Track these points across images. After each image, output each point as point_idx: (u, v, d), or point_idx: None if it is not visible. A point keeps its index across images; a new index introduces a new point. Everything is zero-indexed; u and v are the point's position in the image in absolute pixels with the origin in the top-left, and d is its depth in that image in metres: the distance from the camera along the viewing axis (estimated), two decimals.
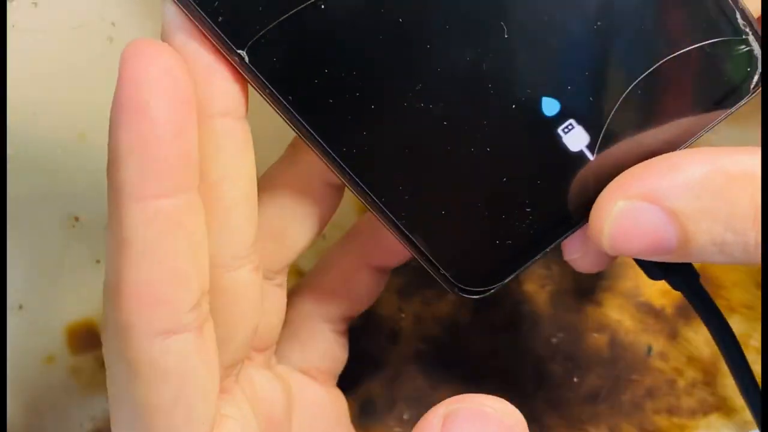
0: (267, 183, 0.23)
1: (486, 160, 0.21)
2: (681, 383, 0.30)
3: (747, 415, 0.30)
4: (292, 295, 0.27)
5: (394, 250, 0.25)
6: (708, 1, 0.20)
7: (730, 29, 0.20)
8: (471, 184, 0.21)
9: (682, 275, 0.23)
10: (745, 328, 0.30)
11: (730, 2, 0.20)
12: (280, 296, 0.25)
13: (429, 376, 0.31)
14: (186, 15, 0.19)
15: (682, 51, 0.20)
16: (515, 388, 0.30)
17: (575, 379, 0.30)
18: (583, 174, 0.21)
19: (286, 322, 0.26)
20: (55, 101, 0.30)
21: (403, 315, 0.31)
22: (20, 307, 0.30)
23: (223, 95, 0.20)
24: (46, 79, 0.30)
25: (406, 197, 0.21)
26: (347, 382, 0.29)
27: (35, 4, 0.29)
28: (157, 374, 0.19)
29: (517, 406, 0.30)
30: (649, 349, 0.30)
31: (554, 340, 0.31)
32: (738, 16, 0.20)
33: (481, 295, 0.22)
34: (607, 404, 0.30)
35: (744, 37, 0.20)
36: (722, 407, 0.30)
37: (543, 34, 0.20)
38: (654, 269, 0.23)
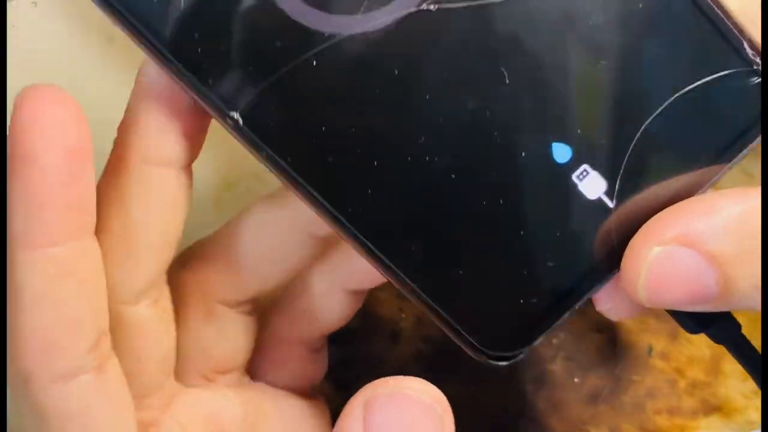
0: (251, 217, 0.23)
1: (501, 213, 0.20)
2: (682, 383, 0.30)
3: (748, 415, 0.30)
4: (266, 315, 0.27)
5: (369, 273, 0.24)
6: (712, 33, 0.19)
7: (739, 61, 0.19)
8: (487, 239, 0.20)
9: (722, 327, 0.21)
10: (746, 329, 0.30)
11: (737, 33, 0.19)
12: (243, 322, 0.25)
13: (429, 377, 0.31)
14: (173, 79, 0.19)
15: (692, 86, 0.19)
16: (515, 389, 0.30)
17: (576, 380, 0.30)
18: (604, 223, 0.20)
19: (260, 343, 0.26)
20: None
21: (403, 315, 0.31)
22: None
23: (165, 147, 0.20)
24: (46, 79, 0.30)
25: (420, 258, 0.20)
26: (348, 382, 0.29)
27: (35, 3, 0.29)
28: (62, 418, 0.19)
29: (517, 406, 0.30)
30: (650, 350, 0.30)
31: (555, 340, 0.31)
32: (746, 46, 0.19)
33: (511, 361, 0.21)
34: (607, 404, 0.30)
35: (756, 67, 0.19)
36: (723, 408, 0.30)
37: (546, 77, 0.19)
38: (691, 322, 0.21)
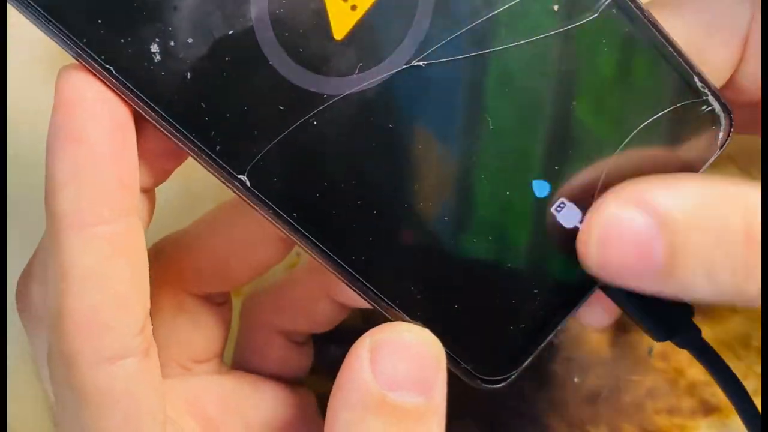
0: (223, 213, 0.24)
1: (490, 251, 0.21)
2: (682, 383, 0.30)
3: None
4: (254, 302, 0.27)
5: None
6: (668, 70, 0.21)
7: (691, 93, 0.21)
8: (479, 275, 0.21)
9: (684, 333, 0.23)
10: (746, 329, 0.30)
11: (688, 68, 0.21)
12: (215, 312, 0.25)
13: None
14: (181, 147, 0.19)
15: (652, 119, 0.21)
16: (515, 389, 0.30)
17: (576, 380, 0.30)
18: None
19: (245, 329, 0.27)
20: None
21: None
22: None
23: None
24: (47, 79, 0.30)
25: (419, 297, 0.21)
26: None
27: None
28: (105, 400, 0.19)
29: (517, 406, 0.30)
30: (650, 350, 0.30)
31: (555, 340, 0.31)
32: (696, 79, 0.21)
33: (504, 383, 0.22)
34: (607, 404, 0.30)
35: (704, 98, 0.21)
36: (723, 408, 0.30)
37: (525, 122, 0.20)
38: (659, 330, 0.23)
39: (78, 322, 0.18)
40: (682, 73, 0.21)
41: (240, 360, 0.27)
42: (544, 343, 0.22)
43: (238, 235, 0.24)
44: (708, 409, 0.30)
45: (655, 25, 0.20)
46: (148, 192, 0.21)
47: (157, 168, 0.20)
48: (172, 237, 0.25)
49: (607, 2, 0.20)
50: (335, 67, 0.19)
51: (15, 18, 0.19)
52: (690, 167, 0.21)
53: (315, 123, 0.19)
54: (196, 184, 0.30)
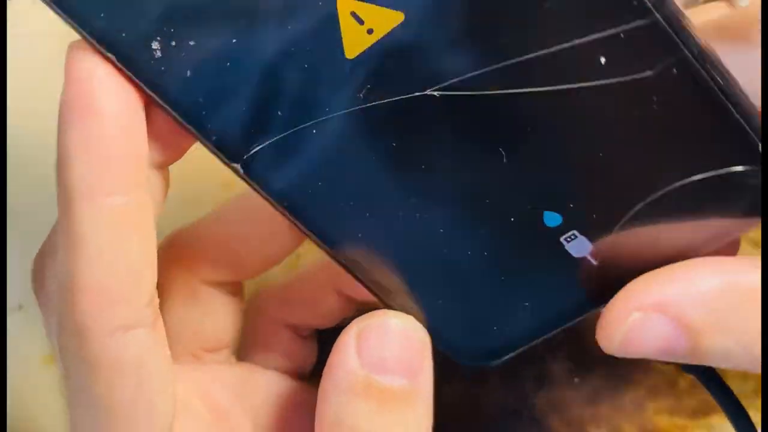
0: (237, 204, 0.24)
1: (486, 263, 0.21)
2: (682, 384, 0.30)
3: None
4: (261, 295, 0.27)
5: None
6: (726, 135, 0.19)
7: (749, 159, 0.19)
8: (471, 284, 0.22)
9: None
10: None
11: (753, 136, 0.19)
12: (228, 302, 0.25)
13: None
14: (182, 129, 0.19)
15: (696, 178, 0.19)
16: (515, 388, 0.30)
17: (576, 380, 0.30)
18: (586, 275, 0.21)
19: (251, 323, 0.27)
20: (55, 101, 0.30)
21: None
22: (20, 307, 0.30)
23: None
24: (46, 79, 0.30)
25: (408, 296, 0.21)
26: None
27: (35, 3, 0.29)
28: (116, 370, 0.19)
29: (517, 406, 0.30)
30: None
31: (555, 340, 0.31)
32: (761, 147, 0.19)
33: (483, 368, 0.23)
34: (608, 404, 0.30)
35: (755, 167, 0.19)
36: None
37: (543, 157, 0.20)
38: None
39: (90, 291, 0.19)
40: (743, 140, 0.19)
41: (245, 352, 0.27)
42: (527, 347, 0.22)
43: (250, 226, 0.24)
44: (708, 409, 0.30)
45: (724, 91, 0.18)
46: (161, 169, 0.21)
47: (167, 145, 0.20)
48: (186, 227, 0.25)
49: (667, 63, 0.18)
50: (341, 85, 0.19)
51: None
52: (722, 229, 0.20)
53: (314, 131, 0.19)
54: (197, 183, 0.30)
